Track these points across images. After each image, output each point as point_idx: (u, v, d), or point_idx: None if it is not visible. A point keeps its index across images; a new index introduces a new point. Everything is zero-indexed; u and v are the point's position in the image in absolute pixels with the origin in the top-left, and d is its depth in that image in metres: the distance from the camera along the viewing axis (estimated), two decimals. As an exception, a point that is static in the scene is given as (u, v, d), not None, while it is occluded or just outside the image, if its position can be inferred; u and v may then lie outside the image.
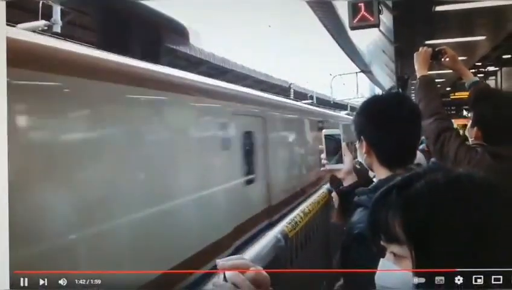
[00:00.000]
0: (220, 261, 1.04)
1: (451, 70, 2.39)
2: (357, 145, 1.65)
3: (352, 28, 6.48)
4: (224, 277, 1.02)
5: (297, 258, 3.19)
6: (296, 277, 2.38)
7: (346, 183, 1.81)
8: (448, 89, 20.10)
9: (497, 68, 17.77)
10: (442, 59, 2.29)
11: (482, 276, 0.94)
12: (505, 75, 16.93)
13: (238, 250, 4.23)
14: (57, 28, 5.57)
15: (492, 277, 0.96)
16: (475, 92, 2.28)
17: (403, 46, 9.71)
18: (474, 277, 0.94)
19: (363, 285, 1.08)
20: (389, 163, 1.57)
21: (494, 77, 18.28)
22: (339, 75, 24.03)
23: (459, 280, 0.94)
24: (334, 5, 10.78)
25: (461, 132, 2.74)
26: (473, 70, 17.55)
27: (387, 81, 20.84)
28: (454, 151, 2.00)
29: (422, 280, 0.89)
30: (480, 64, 17.21)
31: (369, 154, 1.60)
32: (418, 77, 2.21)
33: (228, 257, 1.06)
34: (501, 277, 0.97)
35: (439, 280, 0.92)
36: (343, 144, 1.78)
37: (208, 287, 1.05)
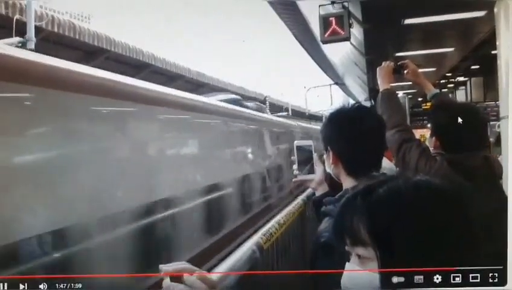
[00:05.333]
0: (164, 266, 1.10)
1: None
2: (325, 156, 1.71)
3: (324, 42, 6.59)
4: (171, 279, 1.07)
5: (273, 269, 3.19)
6: (270, 287, 2.40)
7: (318, 193, 1.87)
8: (420, 99, 20.41)
9: (466, 78, 18.14)
10: (404, 72, 2.39)
11: (460, 274, 0.98)
12: (474, 85, 17.30)
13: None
14: (31, 45, 5.53)
15: (470, 275, 1.00)
16: (433, 103, 2.38)
17: (374, 58, 9.84)
18: (452, 275, 0.98)
19: None
20: (355, 173, 1.62)
21: (463, 87, 18.65)
22: (313, 87, 24.27)
23: (437, 278, 0.98)
24: (307, 19, 10.91)
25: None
26: (444, 81, 17.90)
27: (360, 92, 21.09)
28: (416, 160, 2.09)
29: (402, 279, 0.95)
30: (450, 74, 17.56)
31: (336, 165, 1.66)
32: (380, 90, 2.29)
33: (171, 263, 1.11)
34: (478, 275, 1.00)
35: (419, 278, 0.97)
36: (315, 155, 1.84)
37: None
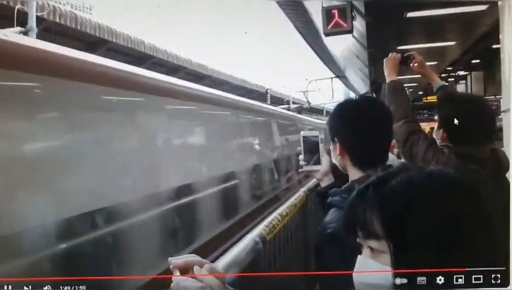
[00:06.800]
0: (173, 259, 1.08)
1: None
2: (331, 147, 1.69)
3: (327, 34, 6.57)
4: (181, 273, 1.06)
5: (276, 261, 3.21)
6: (274, 280, 2.41)
7: (323, 185, 1.85)
8: (420, 93, 20.39)
9: (467, 72, 18.13)
10: (411, 64, 2.38)
11: (463, 276, 0.97)
12: (475, 79, 17.28)
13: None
14: (33, 35, 5.53)
15: (473, 276, 0.98)
16: (440, 96, 2.37)
17: (376, 51, 9.83)
18: (455, 276, 0.96)
19: (339, 284, 1.11)
20: (361, 164, 1.61)
21: (464, 81, 18.64)
22: (315, 80, 24.20)
23: (440, 279, 0.96)
24: (309, 12, 10.88)
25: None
26: (444, 75, 17.87)
27: (361, 85, 21.07)
28: (423, 152, 2.08)
29: (405, 280, 0.93)
30: (451, 68, 17.53)
31: (343, 156, 1.64)
32: (387, 82, 2.28)
33: (180, 256, 1.09)
34: (481, 276, 0.99)
35: (421, 280, 0.95)
36: (321, 146, 1.82)
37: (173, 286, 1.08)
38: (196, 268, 1.07)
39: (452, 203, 0.89)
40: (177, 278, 1.06)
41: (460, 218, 0.89)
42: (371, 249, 0.95)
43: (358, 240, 0.98)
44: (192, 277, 1.05)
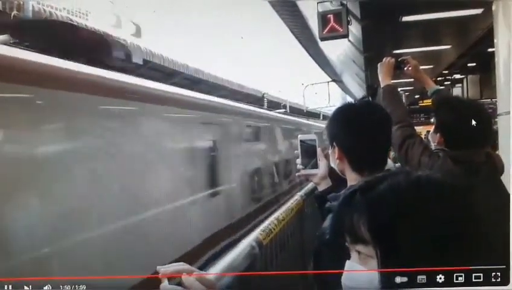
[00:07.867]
0: (162, 268, 1.08)
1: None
2: (330, 151, 1.69)
3: (322, 39, 6.61)
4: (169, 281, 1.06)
5: (273, 265, 3.20)
6: (270, 284, 2.41)
7: (321, 188, 1.83)
8: (416, 96, 20.45)
9: (463, 76, 18.19)
10: (405, 68, 2.39)
11: (463, 274, 0.97)
12: (471, 83, 17.34)
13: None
14: (29, 41, 5.52)
15: (473, 274, 0.99)
16: (438, 99, 2.38)
17: (372, 55, 9.82)
18: (455, 275, 0.97)
19: (335, 288, 1.13)
20: (360, 169, 1.60)
21: (460, 85, 18.70)
22: (311, 84, 24.29)
23: (440, 278, 0.97)
24: (305, 16, 10.91)
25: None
26: (440, 78, 17.93)
27: (358, 90, 21.11)
28: (418, 157, 2.08)
29: (405, 279, 0.94)
30: (447, 72, 17.59)
31: (341, 160, 1.63)
32: (382, 86, 2.29)
33: (169, 264, 1.09)
34: (481, 274, 0.99)
35: (421, 278, 0.95)
36: (318, 149, 1.81)
37: None
38: (185, 276, 1.07)
39: (440, 208, 0.88)
40: (165, 286, 1.06)
41: (448, 224, 0.87)
42: (359, 254, 0.94)
43: (346, 244, 0.97)
44: (180, 284, 1.06)
